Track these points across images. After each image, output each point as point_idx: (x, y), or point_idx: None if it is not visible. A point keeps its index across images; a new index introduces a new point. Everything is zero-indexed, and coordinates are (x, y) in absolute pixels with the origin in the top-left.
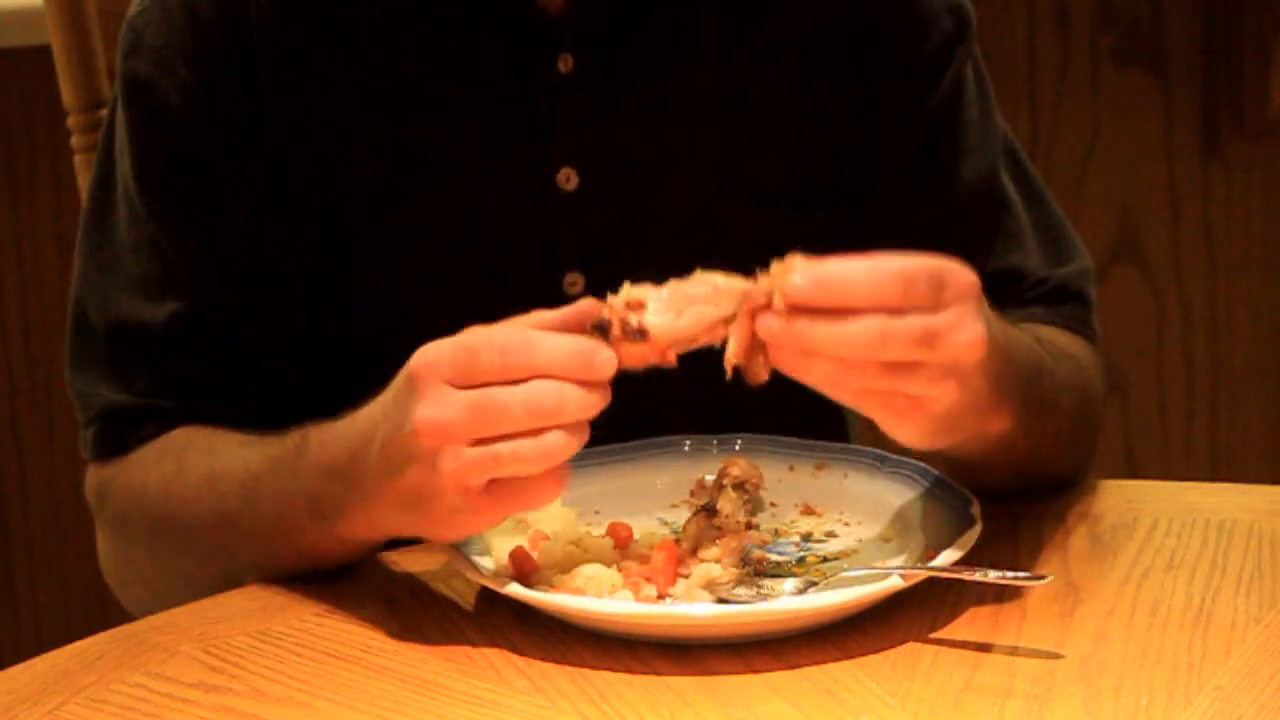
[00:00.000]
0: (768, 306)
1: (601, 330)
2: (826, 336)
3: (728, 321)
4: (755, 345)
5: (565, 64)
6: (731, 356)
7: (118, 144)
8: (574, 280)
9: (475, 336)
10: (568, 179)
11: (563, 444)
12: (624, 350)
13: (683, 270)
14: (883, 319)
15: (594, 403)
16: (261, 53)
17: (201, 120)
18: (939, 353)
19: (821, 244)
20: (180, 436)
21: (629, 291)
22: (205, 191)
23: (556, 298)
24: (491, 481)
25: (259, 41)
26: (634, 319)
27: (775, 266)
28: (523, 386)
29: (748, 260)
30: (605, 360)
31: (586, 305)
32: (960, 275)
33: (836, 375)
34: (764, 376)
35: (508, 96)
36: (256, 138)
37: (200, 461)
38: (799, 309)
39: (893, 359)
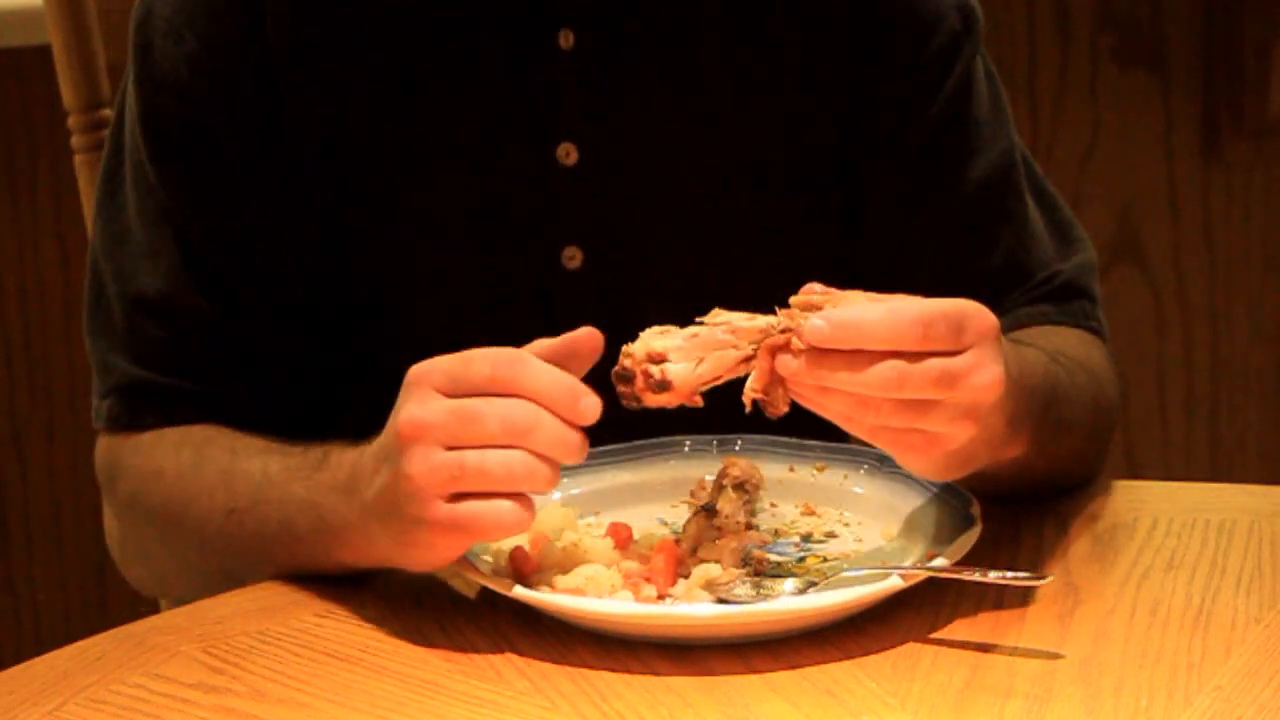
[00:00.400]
0: (786, 344)
1: (625, 380)
2: (846, 377)
3: (748, 360)
4: (774, 380)
5: (566, 39)
6: (751, 392)
7: (128, 116)
8: (572, 254)
9: (473, 351)
10: (567, 154)
11: (528, 467)
12: (648, 399)
13: (680, 249)
14: (901, 362)
15: (569, 441)
16: (269, 27)
17: (209, 90)
18: (957, 393)
19: (819, 226)
20: (204, 431)
21: (649, 344)
22: (212, 161)
23: (555, 271)
24: (455, 500)
25: (268, 16)
26: (656, 371)
27: (794, 300)
28: (502, 400)
29: (746, 238)
30: (589, 405)
31: (585, 334)
32: (980, 318)
33: (853, 412)
34: (784, 410)
35: (508, 71)
36: (263, 110)
37: (220, 457)
38: (818, 350)
39: (910, 398)
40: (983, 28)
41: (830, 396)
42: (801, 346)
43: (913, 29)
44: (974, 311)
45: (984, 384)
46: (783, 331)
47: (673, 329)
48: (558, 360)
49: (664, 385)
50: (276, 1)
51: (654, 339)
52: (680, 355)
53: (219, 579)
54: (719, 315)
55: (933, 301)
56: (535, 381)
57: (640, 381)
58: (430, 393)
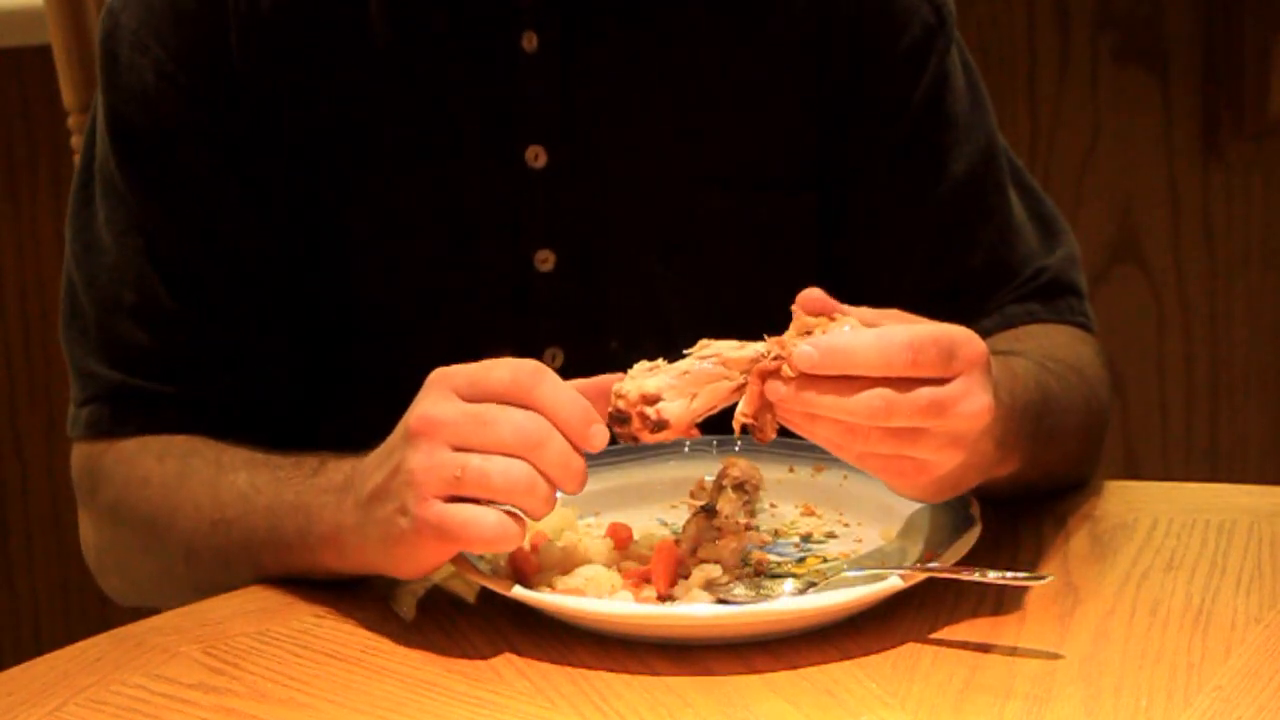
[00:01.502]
0: (778, 370)
1: (621, 421)
2: (833, 404)
3: (741, 388)
4: (764, 406)
5: (529, 42)
6: (741, 417)
7: (98, 127)
8: (545, 257)
9: (496, 359)
10: (536, 157)
11: (529, 481)
12: (645, 437)
13: (654, 251)
14: (888, 390)
15: (573, 465)
16: (235, 36)
17: (175, 99)
18: (945, 421)
19: (796, 226)
20: (188, 442)
21: (641, 385)
22: (180, 168)
23: (528, 274)
24: (449, 503)
25: (233, 25)
26: (652, 412)
27: (795, 318)
28: (518, 410)
29: (721, 239)
30: (598, 432)
31: (616, 378)
32: (969, 345)
33: (841, 439)
34: (772, 436)
35: (474, 74)
36: (231, 118)
37: (204, 469)
38: (807, 376)
39: (898, 426)
40: (955, 20)
41: (818, 423)
42: (791, 374)
43: (885, 25)
44: (964, 338)
45: (972, 412)
46: (774, 359)
47: (661, 364)
48: (582, 394)
49: (661, 425)
50: (241, 10)
51: (645, 378)
52: (673, 393)
53: (205, 588)
54: (707, 346)
55: (923, 327)
56: (552, 397)
57: (637, 422)
58: (448, 394)
